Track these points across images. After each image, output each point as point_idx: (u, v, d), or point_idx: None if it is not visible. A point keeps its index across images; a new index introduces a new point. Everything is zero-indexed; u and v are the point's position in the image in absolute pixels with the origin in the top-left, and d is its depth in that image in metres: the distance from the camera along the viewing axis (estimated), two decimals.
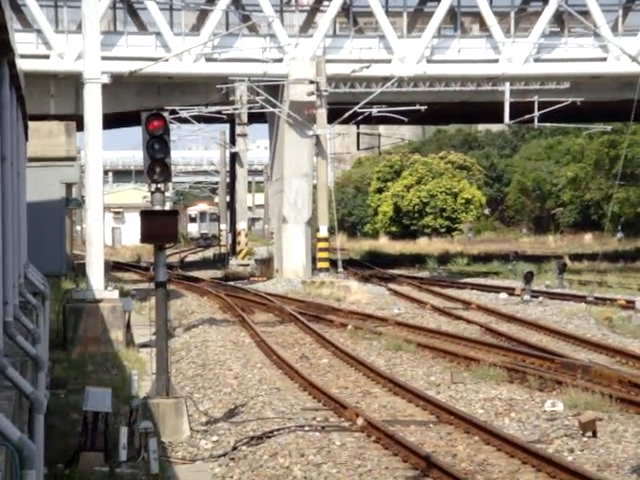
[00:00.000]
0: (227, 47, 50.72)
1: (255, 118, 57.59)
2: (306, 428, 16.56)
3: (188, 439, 16.39)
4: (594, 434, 15.63)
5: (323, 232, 48.34)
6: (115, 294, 26.90)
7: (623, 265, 59.06)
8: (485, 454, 14.97)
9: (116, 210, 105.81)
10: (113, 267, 56.17)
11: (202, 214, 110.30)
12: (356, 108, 50.02)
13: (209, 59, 50.65)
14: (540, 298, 37.82)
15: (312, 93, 48.52)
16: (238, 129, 59.58)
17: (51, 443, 14.00)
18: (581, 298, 36.54)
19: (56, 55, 49.11)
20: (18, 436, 7.38)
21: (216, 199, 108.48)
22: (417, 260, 67.23)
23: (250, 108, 52.87)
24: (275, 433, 16.22)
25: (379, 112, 51.15)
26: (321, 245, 48.46)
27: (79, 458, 14.35)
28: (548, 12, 51.86)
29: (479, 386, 20.04)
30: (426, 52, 51.63)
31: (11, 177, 11.92)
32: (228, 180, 75.23)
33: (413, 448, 14.62)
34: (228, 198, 75.70)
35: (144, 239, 17.20)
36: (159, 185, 17.01)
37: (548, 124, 56.68)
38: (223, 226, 76.98)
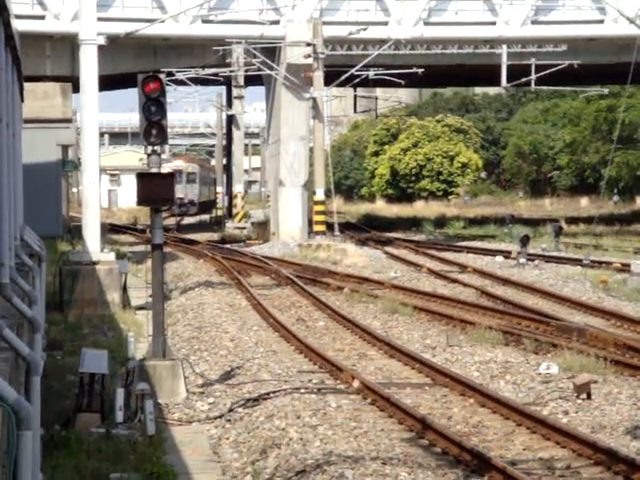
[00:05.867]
0: (224, 9, 50.42)
1: (252, 80, 57.36)
2: (302, 390, 16.61)
3: (184, 401, 16.45)
4: (589, 396, 15.69)
5: (320, 195, 48.29)
6: (111, 256, 26.91)
7: (619, 228, 59.13)
8: (480, 416, 15.04)
9: (112, 172, 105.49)
10: (109, 229, 56.08)
11: (177, 173, 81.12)
12: (353, 71, 49.82)
13: (205, 21, 50.37)
14: (536, 261, 37.87)
15: (309, 55, 48.30)
16: (235, 91, 59.39)
17: (48, 404, 14.05)
18: (577, 261, 36.60)
19: (52, 16, 48.81)
20: (15, 397, 7.39)
21: (213, 161, 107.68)
22: (413, 223, 67.27)
23: (247, 70, 52.65)
24: (271, 395, 16.28)
25: (376, 75, 50.96)
26: (318, 208, 48.42)
27: (76, 419, 14.40)
28: None
29: (474, 349, 20.10)
30: (423, 14, 51.36)
31: (7, 139, 11.89)
32: (224, 143, 75.02)
33: (409, 410, 14.67)
34: (225, 161, 75.54)
35: (140, 201, 17.18)
36: (155, 147, 16.97)
37: (545, 87, 56.48)
38: (219, 189, 76.82)
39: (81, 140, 28.02)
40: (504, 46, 49.94)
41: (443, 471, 12.31)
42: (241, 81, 56.98)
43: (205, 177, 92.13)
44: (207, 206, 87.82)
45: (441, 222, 67.22)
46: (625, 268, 33.74)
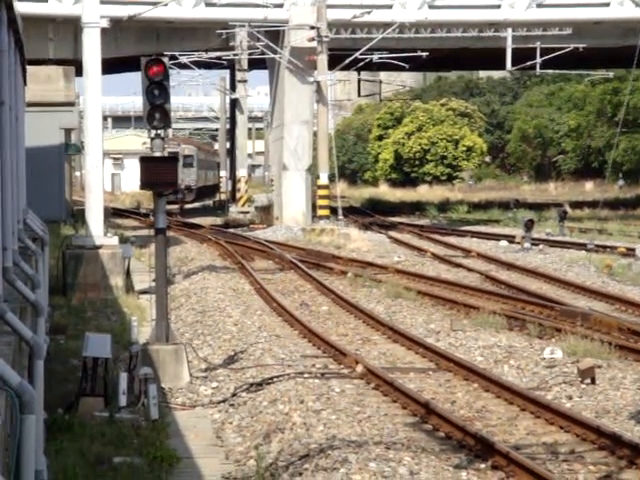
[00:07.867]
0: None
1: (255, 64, 57.22)
2: (306, 375, 16.59)
3: (188, 385, 16.43)
4: (593, 381, 15.66)
5: (323, 179, 48.20)
6: (115, 240, 26.88)
7: (624, 213, 59.06)
8: (484, 401, 15.02)
9: (115, 156, 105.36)
10: (112, 213, 56.12)
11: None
12: (357, 54, 49.67)
13: (209, 4, 50.20)
14: (540, 246, 37.82)
15: (313, 39, 48.14)
16: (238, 75, 59.25)
17: (51, 388, 14.04)
18: (581, 246, 36.55)
19: None
20: (18, 381, 7.37)
21: (216, 145, 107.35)
22: (417, 208, 67.20)
23: (250, 54, 52.52)
24: (275, 380, 16.25)
25: (380, 58, 50.80)
26: (321, 192, 48.35)
27: (79, 403, 14.40)
28: None
29: (478, 333, 20.06)
30: None
31: (10, 122, 11.83)
32: (228, 127, 74.86)
33: (412, 395, 14.65)
34: (228, 145, 75.38)
35: (144, 186, 17.15)
36: (159, 131, 16.92)
37: (550, 71, 56.33)
38: (223, 173, 76.71)
39: (84, 124, 27.97)
40: (509, 29, 49.74)
41: (447, 456, 12.29)
42: (245, 65, 56.83)
43: (204, 161, 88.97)
44: (208, 191, 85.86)
45: (445, 206, 67.15)
46: (630, 252, 33.70)
